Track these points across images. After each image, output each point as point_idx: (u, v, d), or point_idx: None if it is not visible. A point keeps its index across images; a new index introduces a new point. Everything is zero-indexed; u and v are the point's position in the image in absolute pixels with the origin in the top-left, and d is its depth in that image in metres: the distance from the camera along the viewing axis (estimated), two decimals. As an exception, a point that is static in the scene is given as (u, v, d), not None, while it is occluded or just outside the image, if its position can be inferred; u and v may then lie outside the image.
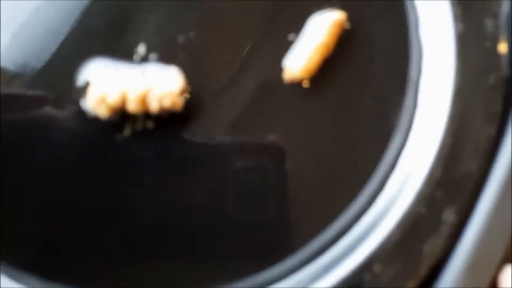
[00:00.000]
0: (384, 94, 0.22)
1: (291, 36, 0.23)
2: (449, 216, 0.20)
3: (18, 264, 0.21)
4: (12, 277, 0.21)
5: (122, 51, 0.22)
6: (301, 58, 0.22)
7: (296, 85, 0.22)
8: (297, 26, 0.23)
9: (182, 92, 0.22)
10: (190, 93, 0.22)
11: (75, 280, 0.21)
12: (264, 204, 0.22)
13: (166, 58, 0.22)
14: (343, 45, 0.22)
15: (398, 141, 0.22)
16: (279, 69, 0.22)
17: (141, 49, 0.22)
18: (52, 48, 0.22)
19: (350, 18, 0.22)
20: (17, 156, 0.22)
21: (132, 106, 0.22)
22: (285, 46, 0.23)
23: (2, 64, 0.22)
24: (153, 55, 0.22)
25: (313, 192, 0.21)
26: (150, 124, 0.22)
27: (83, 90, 0.22)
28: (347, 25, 0.22)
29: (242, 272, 0.21)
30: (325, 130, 0.22)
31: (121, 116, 0.22)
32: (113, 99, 0.22)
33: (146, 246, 0.22)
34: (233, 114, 0.22)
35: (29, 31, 0.22)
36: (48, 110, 0.22)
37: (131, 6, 0.22)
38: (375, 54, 0.22)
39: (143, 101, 0.22)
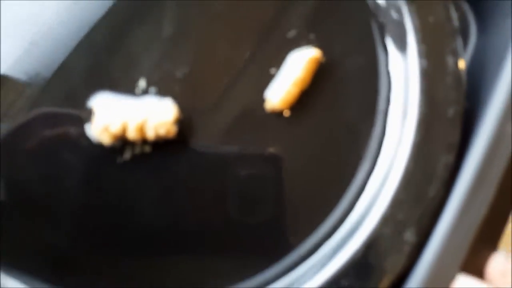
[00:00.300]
0: (356, 123, 0.25)
1: (272, 70, 0.25)
2: (409, 236, 0.22)
3: (24, 269, 0.24)
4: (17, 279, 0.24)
5: (125, 85, 0.25)
6: (280, 91, 0.25)
7: (277, 113, 0.25)
8: (278, 61, 0.25)
9: (176, 121, 0.25)
10: (183, 120, 0.25)
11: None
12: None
13: (163, 90, 0.25)
14: (319, 78, 0.25)
15: (367, 166, 0.24)
16: (262, 99, 0.25)
17: (141, 83, 0.25)
18: (60, 60, 0.25)
19: (326, 53, 0.25)
20: (29, 169, 0.25)
21: (132, 134, 0.24)
22: (267, 79, 0.25)
23: (15, 75, 0.25)
24: (152, 88, 0.25)
25: (285, 212, 0.24)
26: (147, 149, 0.25)
27: (88, 117, 0.25)
28: (323, 60, 0.25)
29: (241, 272, 0.24)
30: (303, 153, 0.25)
31: (122, 141, 0.25)
32: (115, 129, 0.24)
33: (149, 248, 0.25)
34: (219, 137, 0.25)
35: (40, 46, 0.25)
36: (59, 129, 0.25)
37: (134, 44, 0.25)
38: (348, 86, 0.25)
39: (141, 130, 0.25)
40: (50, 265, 0.24)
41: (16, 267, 0.24)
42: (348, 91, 0.25)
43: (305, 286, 0.23)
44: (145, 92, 0.25)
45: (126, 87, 0.25)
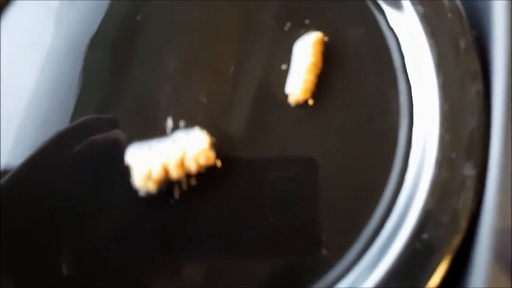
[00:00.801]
0: (380, 87, 0.25)
1: (283, 66, 0.26)
2: (468, 170, 0.23)
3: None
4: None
5: (154, 129, 0.26)
6: (299, 81, 0.25)
7: (303, 105, 0.25)
8: (285, 56, 0.26)
9: (211, 146, 0.25)
10: (216, 143, 0.25)
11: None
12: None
13: (190, 121, 0.26)
14: (329, 59, 0.25)
15: (406, 121, 0.25)
16: (284, 96, 0.26)
17: (169, 122, 0.26)
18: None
19: (326, 33, 0.26)
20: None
21: (175, 173, 0.25)
22: (282, 75, 0.26)
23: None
24: (181, 123, 0.26)
25: (348, 185, 0.25)
26: (193, 181, 0.25)
27: (128, 172, 0.25)
28: (326, 39, 0.26)
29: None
30: (341, 136, 0.25)
31: (167, 183, 0.25)
32: (157, 174, 0.25)
33: (193, 254, 0.25)
34: (254, 146, 0.25)
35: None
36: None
37: (146, 89, 0.26)
38: (359, 57, 0.25)
39: (182, 165, 0.25)
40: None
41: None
42: (362, 61, 0.25)
43: (389, 250, 0.23)
44: (176, 128, 0.26)
45: (156, 131, 0.26)
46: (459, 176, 0.23)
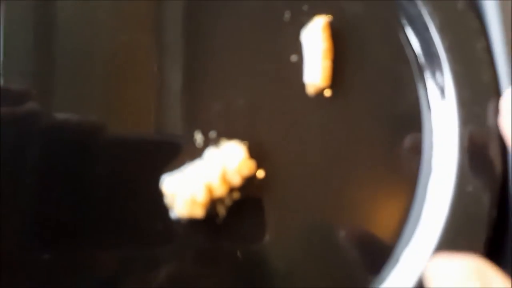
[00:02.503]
0: (390, 63, 0.26)
1: (293, 57, 0.25)
2: (492, 121, 0.25)
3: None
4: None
5: (184, 149, 0.24)
6: (317, 70, 0.25)
7: (322, 94, 0.25)
8: (292, 46, 0.25)
9: (249, 155, 0.24)
10: (250, 148, 0.24)
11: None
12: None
13: (221, 129, 0.25)
14: (339, 46, 0.25)
15: (422, 92, 0.26)
16: (300, 89, 0.25)
17: (198, 136, 0.24)
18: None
19: (327, 14, 0.26)
20: None
21: (219, 191, 0.23)
22: (293, 67, 0.25)
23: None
24: (212, 133, 0.24)
25: (383, 162, 0.25)
26: (236, 195, 0.24)
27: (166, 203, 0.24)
28: (330, 19, 0.25)
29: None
30: (367, 118, 0.25)
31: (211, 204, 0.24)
32: (202, 196, 0.23)
33: None
34: (287, 143, 0.25)
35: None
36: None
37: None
38: (364, 32, 0.26)
39: (226, 181, 0.24)
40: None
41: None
42: (368, 36, 0.26)
43: (440, 209, 0.24)
44: (206, 140, 0.24)
45: (187, 149, 0.24)
46: (484, 128, 0.25)
